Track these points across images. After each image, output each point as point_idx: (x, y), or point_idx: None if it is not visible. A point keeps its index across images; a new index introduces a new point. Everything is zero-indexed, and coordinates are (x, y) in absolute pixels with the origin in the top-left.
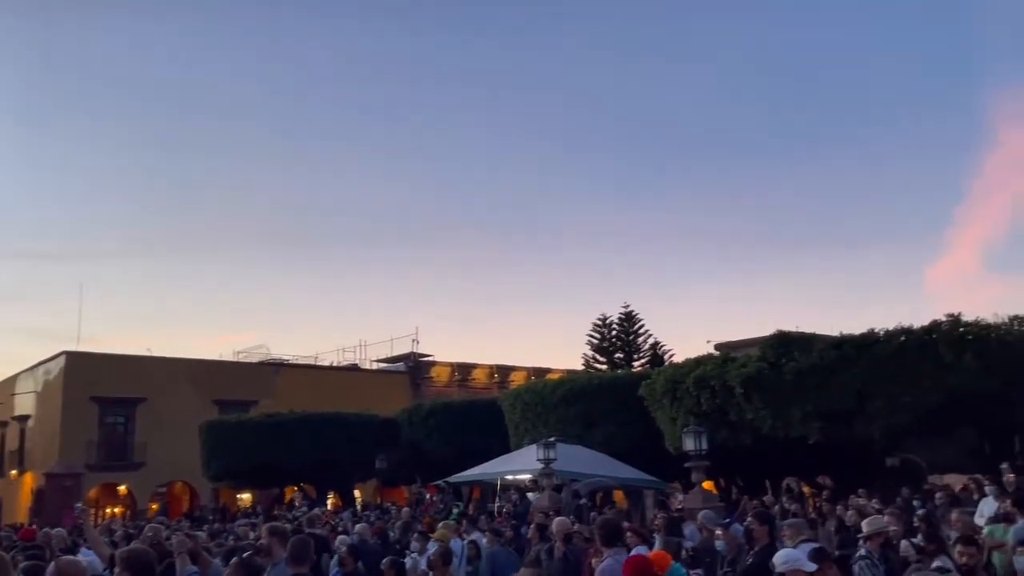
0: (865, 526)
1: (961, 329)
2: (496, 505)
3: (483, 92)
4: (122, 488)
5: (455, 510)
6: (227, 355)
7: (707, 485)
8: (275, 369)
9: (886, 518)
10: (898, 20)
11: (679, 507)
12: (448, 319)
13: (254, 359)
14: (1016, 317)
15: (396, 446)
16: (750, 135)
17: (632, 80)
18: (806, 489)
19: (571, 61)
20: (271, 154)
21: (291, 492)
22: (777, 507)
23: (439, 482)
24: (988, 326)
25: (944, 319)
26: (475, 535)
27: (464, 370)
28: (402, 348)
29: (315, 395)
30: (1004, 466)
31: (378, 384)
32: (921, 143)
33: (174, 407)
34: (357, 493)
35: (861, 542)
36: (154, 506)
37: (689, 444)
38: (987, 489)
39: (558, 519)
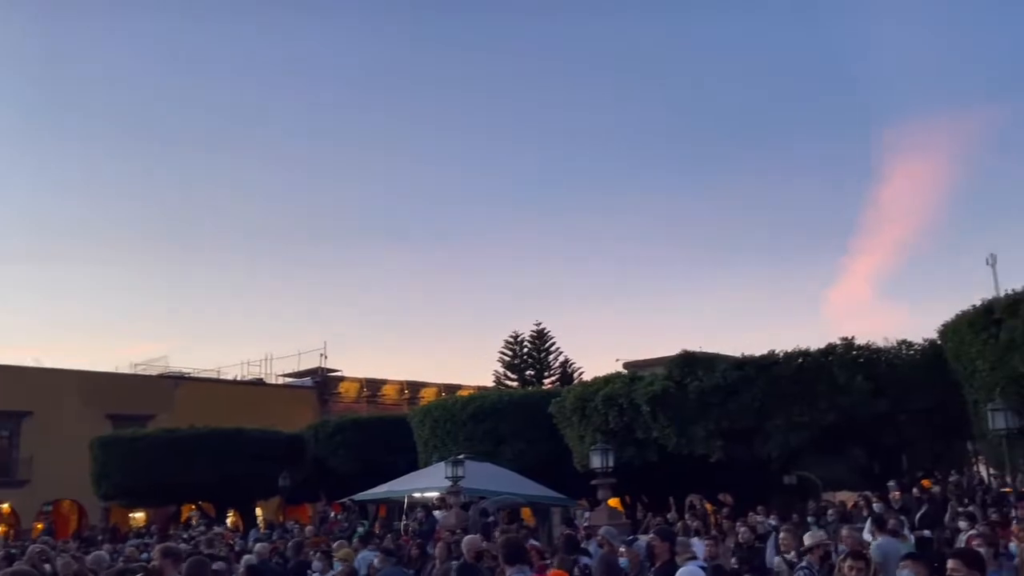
0: (807, 539)
1: (854, 352)
2: (403, 523)
3: (397, 105)
4: (5, 506)
5: (360, 528)
6: (124, 367)
7: (613, 502)
8: (174, 383)
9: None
10: (795, 56)
11: (587, 524)
12: (358, 334)
13: (153, 372)
14: (904, 342)
15: (301, 463)
16: (660, 158)
17: (543, 95)
18: (708, 506)
19: (488, 74)
20: (169, 156)
21: (188, 511)
22: (680, 524)
23: (344, 500)
24: (879, 350)
25: (839, 343)
26: (364, 553)
27: (373, 386)
28: (310, 363)
29: (217, 410)
30: (891, 484)
31: (284, 399)
32: (821, 172)
33: (63, 421)
34: (259, 511)
35: (802, 555)
36: (39, 525)
37: (596, 461)
38: (875, 506)
39: (468, 537)
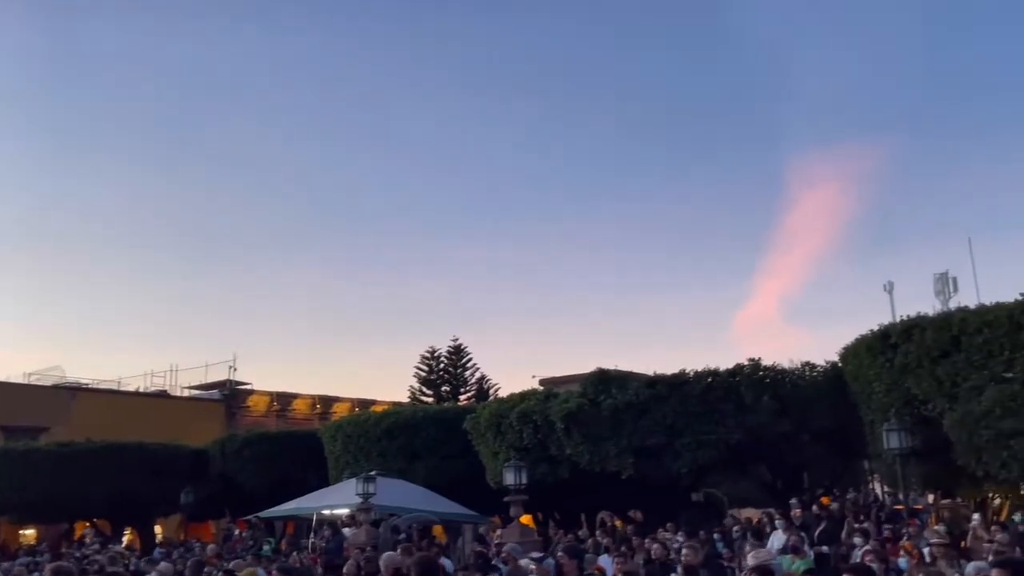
0: (751, 559)
1: (760, 373)
2: (310, 541)
3: (314, 109)
4: None
5: (266, 546)
6: (16, 377)
7: (525, 519)
8: (71, 394)
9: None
10: (713, 87)
11: (498, 541)
12: (270, 347)
13: (47, 382)
14: (807, 364)
15: (206, 479)
16: (579, 182)
17: (463, 110)
18: (619, 523)
19: (418, 83)
20: (62, 159)
21: (82, 528)
22: (591, 541)
23: (250, 517)
24: (784, 371)
25: (747, 363)
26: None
27: (284, 400)
28: (218, 375)
29: (117, 423)
30: (793, 501)
31: (189, 413)
32: (734, 198)
33: None
34: (158, 529)
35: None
36: None
37: (509, 478)
38: (777, 523)
39: (387, 554)
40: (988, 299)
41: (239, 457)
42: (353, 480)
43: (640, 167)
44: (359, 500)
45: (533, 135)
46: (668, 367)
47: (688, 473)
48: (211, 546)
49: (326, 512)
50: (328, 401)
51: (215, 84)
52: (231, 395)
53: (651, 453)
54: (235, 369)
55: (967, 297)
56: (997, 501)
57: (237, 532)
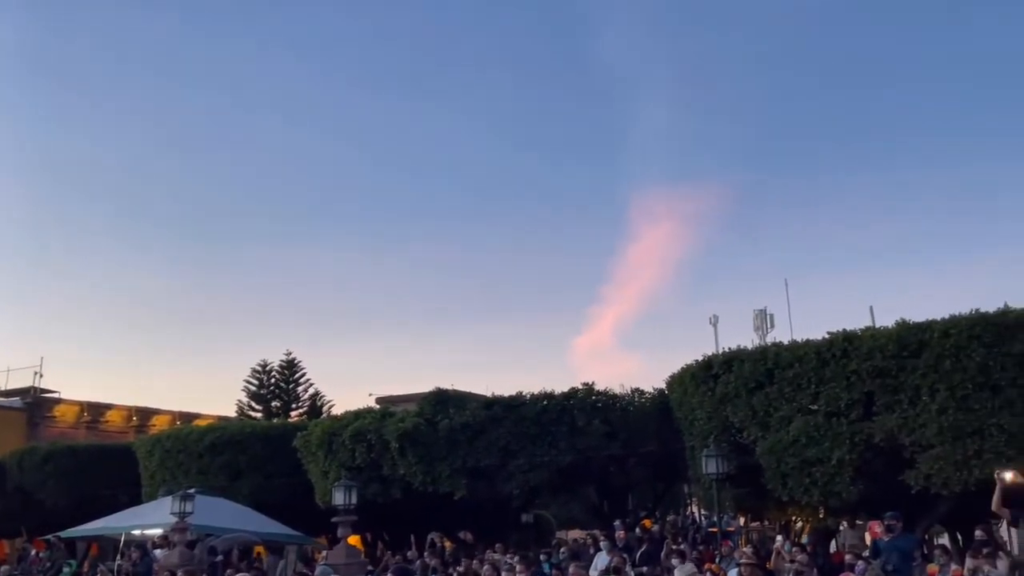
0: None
1: (593, 397)
2: (116, 563)
3: (152, 116)
4: None
5: (66, 568)
6: None
7: (354, 540)
8: None
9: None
10: (564, 127)
11: (320, 562)
12: (82, 353)
13: None
14: (637, 390)
15: (1, 493)
16: (428, 206)
17: (309, 120)
18: (449, 544)
19: (267, 81)
20: None
21: None
22: (419, 562)
23: (49, 536)
24: (615, 396)
25: (581, 387)
26: None
27: (97, 410)
28: (21, 381)
29: None
30: (617, 523)
31: None
32: (577, 229)
33: None
34: None
35: None
36: None
37: (339, 498)
38: (602, 544)
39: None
40: (800, 336)
41: (40, 471)
42: (168, 498)
43: (487, 193)
44: (174, 519)
45: (382, 143)
46: (508, 390)
47: (520, 494)
48: (4, 567)
49: (136, 532)
50: (147, 413)
51: None
52: (35, 404)
53: (484, 474)
54: (41, 376)
55: (782, 333)
56: (800, 524)
57: (34, 552)
